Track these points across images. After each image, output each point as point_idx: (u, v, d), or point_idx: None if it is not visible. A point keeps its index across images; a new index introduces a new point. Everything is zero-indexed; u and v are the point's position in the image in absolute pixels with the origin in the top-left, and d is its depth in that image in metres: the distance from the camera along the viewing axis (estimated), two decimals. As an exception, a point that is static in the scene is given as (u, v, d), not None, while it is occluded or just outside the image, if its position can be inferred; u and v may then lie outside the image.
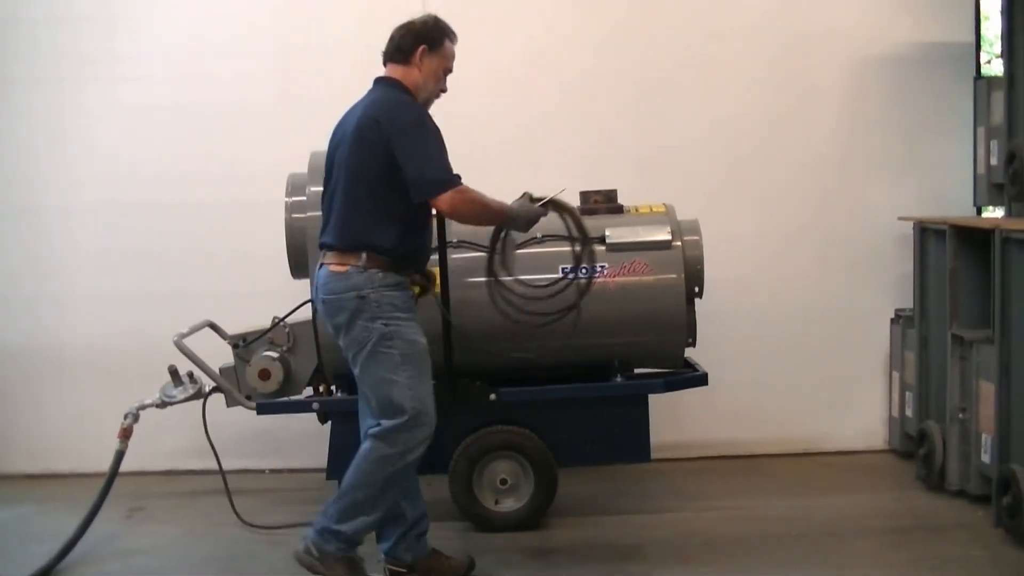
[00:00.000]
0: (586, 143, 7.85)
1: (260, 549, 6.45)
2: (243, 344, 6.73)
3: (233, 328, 6.82)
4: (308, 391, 6.83)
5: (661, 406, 6.70)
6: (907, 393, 7.66)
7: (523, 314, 6.02)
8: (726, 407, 7.78)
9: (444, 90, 5.77)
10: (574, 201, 6.52)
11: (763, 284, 7.97)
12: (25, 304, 8.07)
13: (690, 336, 6.65)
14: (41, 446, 8.02)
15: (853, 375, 8.14)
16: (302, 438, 7.51)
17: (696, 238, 6.62)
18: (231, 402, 6.74)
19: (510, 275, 6.01)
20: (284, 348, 6.70)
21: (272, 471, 7.99)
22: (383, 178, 5.45)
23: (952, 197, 7.95)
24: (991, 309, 6.49)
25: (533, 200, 5.75)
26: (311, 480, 7.45)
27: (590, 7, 7.94)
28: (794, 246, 7.96)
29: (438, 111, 5.66)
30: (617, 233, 6.51)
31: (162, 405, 6.65)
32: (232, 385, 6.71)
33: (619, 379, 6.56)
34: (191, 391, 6.67)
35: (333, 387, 6.73)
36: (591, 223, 6.23)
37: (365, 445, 5.55)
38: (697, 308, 6.63)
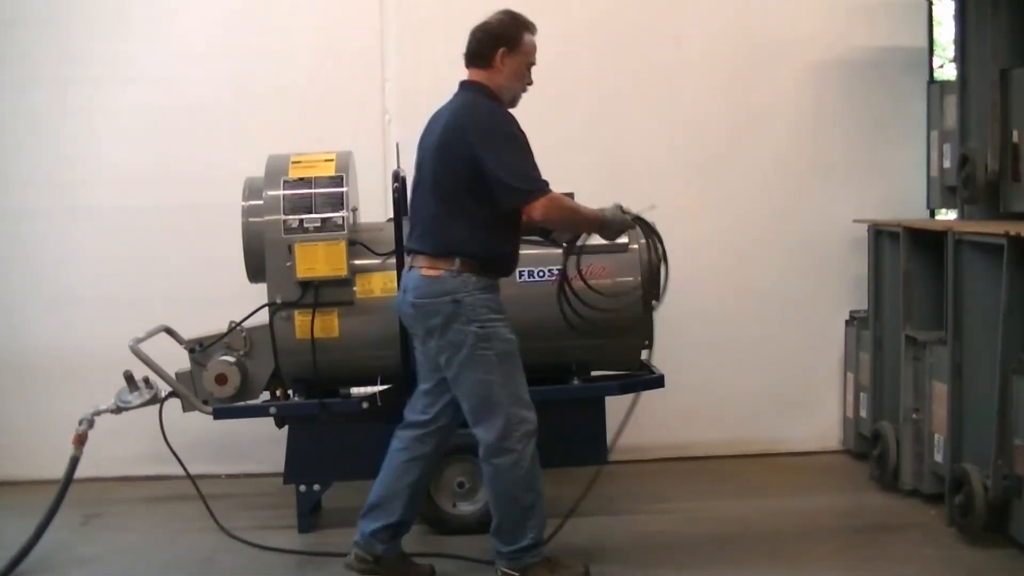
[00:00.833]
0: (548, 146, 7.82)
1: (220, 555, 6.42)
2: (200, 349, 6.70)
3: (189, 333, 6.79)
4: (265, 395, 6.81)
5: (619, 408, 6.71)
6: (861, 394, 7.71)
7: (586, 316, 6.00)
8: (683, 409, 7.81)
9: (530, 83, 5.77)
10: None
11: (720, 287, 8.01)
12: (-24, 310, 8.01)
13: (647, 339, 6.69)
14: (-6, 452, 7.95)
15: (808, 376, 8.19)
16: (259, 443, 7.49)
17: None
18: (188, 407, 6.70)
19: (582, 279, 5.99)
20: (241, 352, 6.67)
21: (229, 476, 7.95)
22: (470, 186, 5.48)
23: (906, 200, 8.01)
24: (944, 310, 6.55)
25: (623, 211, 5.77)
26: (268, 484, 7.41)
27: (553, 12, 7.92)
28: (750, 249, 8.01)
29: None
30: (576, 236, 6.53)
31: (117, 411, 6.60)
32: (189, 390, 6.68)
33: (576, 382, 6.60)
34: (147, 396, 6.63)
35: (290, 391, 6.71)
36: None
37: (488, 470, 5.62)
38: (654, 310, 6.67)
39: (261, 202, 6.52)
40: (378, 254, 6.53)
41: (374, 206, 7.22)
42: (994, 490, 5.91)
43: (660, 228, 6.58)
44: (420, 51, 7.90)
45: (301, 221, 6.44)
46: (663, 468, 7.84)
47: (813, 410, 8.18)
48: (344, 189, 6.51)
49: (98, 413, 6.53)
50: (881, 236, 7.52)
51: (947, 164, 7.36)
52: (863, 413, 7.68)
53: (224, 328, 6.67)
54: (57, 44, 7.90)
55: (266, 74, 7.90)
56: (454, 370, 5.56)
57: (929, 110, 7.74)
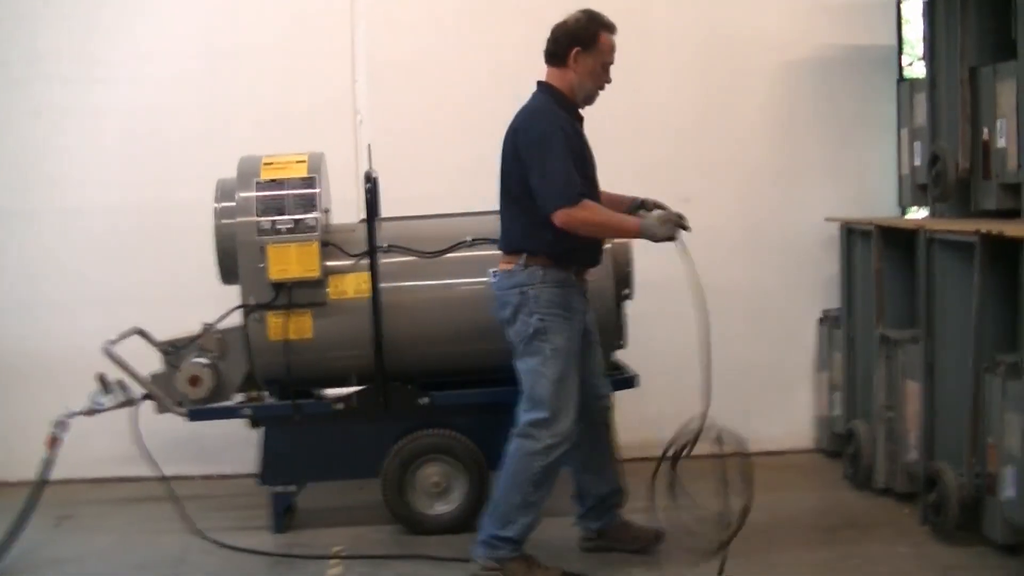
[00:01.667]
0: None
1: (193, 556, 6.40)
2: (173, 350, 6.70)
3: (163, 334, 6.77)
4: (239, 397, 6.80)
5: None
6: (834, 393, 7.74)
7: None
8: (655, 408, 7.78)
9: (608, 82, 5.84)
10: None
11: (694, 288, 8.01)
12: (-53, 312, 7.96)
13: (619, 338, 6.70)
14: (-33, 456, 7.91)
15: (781, 375, 8.21)
16: (233, 444, 7.46)
17: (625, 241, 6.65)
18: (161, 409, 6.70)
19: None
20: (214, 354, 6.67)
21: (203, 477, 7.93)
22: (525, 185, 5.63)
23: (877, 198, 8.03)
24: (916, 309, 6.58)
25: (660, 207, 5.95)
26: (242, 486, 7.41)
27: (515, 6, 7.92)
28: (722, 248, 7.99)
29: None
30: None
31: (91, 413, 6.59)
32: (162, 392, 6.67)
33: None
34: (121, 398, 6.62)
35: (264, 393, 6.70)
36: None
37: (511, 445, 5.77)
38: (626, 310, 6.67)
39: (233, 203, 6.51)
40: (351, 255, 6.54)
41: (346, 207, 7.21)
42: (967, 488, 5.94)
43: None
44: (392, 52, 7.89)
45: (273, 222, 6.44)
46: (635, 468, 7.81)
47: (786, 409, 8.20)
48: (316, 190, 6.51)
49: (71, 415, 6.51)
50: (853, 235, 7.54)
51: (917, 162, 7.39)
52: (836, 412, 7.70)
53: (197, 330, 6.66)
54: (25, 43, 7.86)
55: (237, 75, 7.88)
56: (518, 356, 5.77)
57: (899, 108, 7.76)
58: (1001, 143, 6.39)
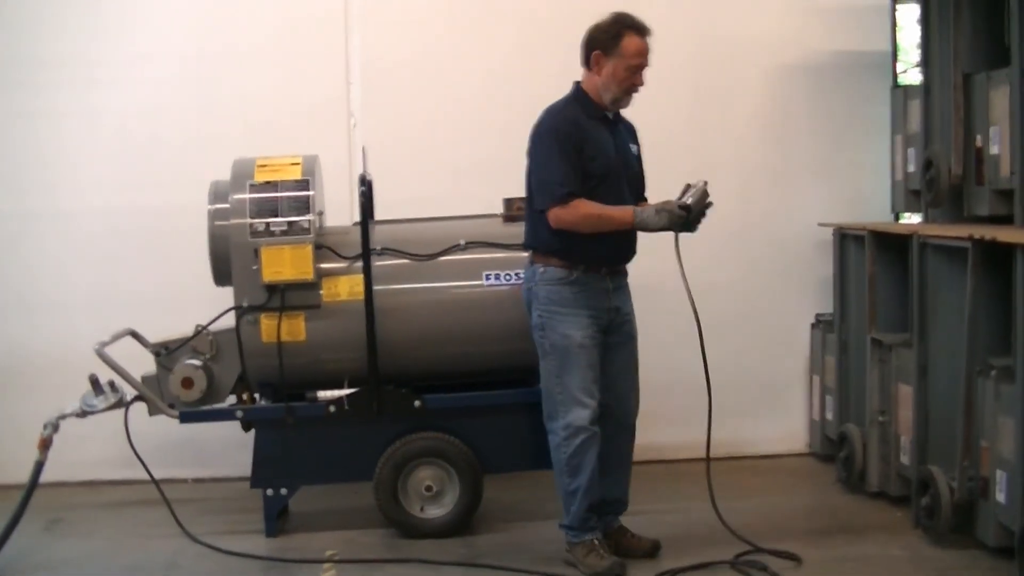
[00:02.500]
0: (507, 148, 7.84)
1: (185, 560, 6.38)
2: (165, 352, 6.69)
3: (155, 336, 6.76)
4: (232, 399, 6.79)
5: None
6: (827, 397, 7.74)
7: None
8: (649, 411, 7.77)
9: (640, 84, 5.90)
10: (498, 208, 6.63)
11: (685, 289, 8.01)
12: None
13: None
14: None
15: (774, 379, 8.21)
16: (226, 447, 7.46)
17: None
18: (154, 411, 6.68)
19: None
20: (207, 356, 6.66)
21: (195, 480, 7.91)
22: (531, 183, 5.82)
23: (870, 203, 8.03)
24: (909, 313, 6.59)
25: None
26: (235, 489, 7.40)
27: (510, 9, 7.93)
28: (715, 252, 7.97)
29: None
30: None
31: (82, 415, 6.56)
32: (155, 394, 6.66)
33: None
34: (112, 400, 6.59)
35: (256, 395, 6.70)
36: (514, 230, 6.30)
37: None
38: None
39: (227, 205, 6.50)
40: (344, 258, 6.53)
41: (340, 210, 7.21)
42: (960, 492, 5.94)
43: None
44: (386, 55, 7.89)
45: (267, 225, 6.44)
46: (635, 469, 7.83)
47: (779, 413, 8.21)
48: (310, 193, 6.50)
49: (63, 417, 6.49)
50: (846, 239, 7.56)
51: (911, 168, 7.39)
52: (829, 416, 7.71)
53: (190, 332, 6.65)
54: (22, 46, 7.84)
55: (231, 77, 7.87)
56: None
57: (893, 114, 7.77)
58: (994, 149, 6.39)
